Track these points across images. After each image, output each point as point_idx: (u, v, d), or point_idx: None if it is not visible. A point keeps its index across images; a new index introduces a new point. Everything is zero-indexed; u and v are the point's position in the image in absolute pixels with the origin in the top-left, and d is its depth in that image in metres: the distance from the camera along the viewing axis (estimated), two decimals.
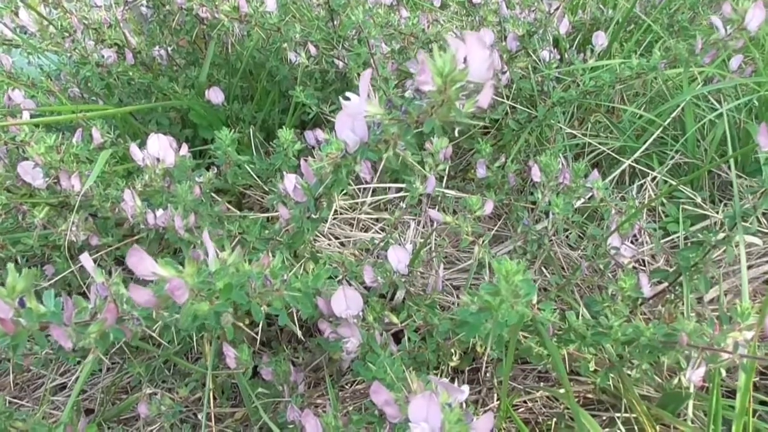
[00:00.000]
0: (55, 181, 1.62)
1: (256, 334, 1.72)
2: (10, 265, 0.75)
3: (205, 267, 0.77)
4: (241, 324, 1.55)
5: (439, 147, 1.44)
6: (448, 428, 0.76)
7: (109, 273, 1.03)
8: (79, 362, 1.85)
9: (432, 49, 1.78)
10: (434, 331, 1.35)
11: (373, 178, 1.55)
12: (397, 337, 1.44)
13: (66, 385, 1.84)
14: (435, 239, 1.79)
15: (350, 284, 1.46)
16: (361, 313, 1.17)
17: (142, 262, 0.71)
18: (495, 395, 1.55)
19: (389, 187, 2.05)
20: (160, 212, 1.43)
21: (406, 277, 1.35)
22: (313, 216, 1.33)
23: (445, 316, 1.31)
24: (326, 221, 1.93)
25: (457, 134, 2.11)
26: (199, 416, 1.62)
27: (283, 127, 1.79)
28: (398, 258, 1.28)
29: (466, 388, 0.83)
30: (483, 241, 1.31)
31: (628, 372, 1.39)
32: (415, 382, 0.85)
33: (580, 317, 1.20)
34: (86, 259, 0.91)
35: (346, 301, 1.12)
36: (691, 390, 1.39)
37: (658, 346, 1.06)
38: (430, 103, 0.73)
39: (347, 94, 0.79)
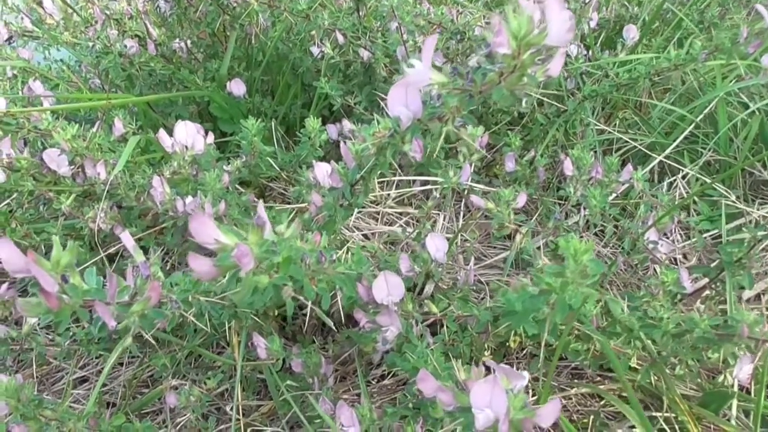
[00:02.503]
0: (80, 169, 1.60)
1: (283, 327, 1.68)
2: (55, 238, 0.72)
3: (266, 239, 0.73)
4: (269, 314, 1.51)
5: (475, 135, 1.40)
6: (513, 414, 0.72)
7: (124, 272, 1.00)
8: (100, 355, 1.81)
9: (461, 39, 1.72)
10: (472, 323, 1.31)
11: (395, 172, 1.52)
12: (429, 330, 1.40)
13: (86, 378, 1.80)
14: (464, 233, 1.75)
15: None
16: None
17: (204, 227, 0.67)
18: (530, 392, 1.51)
19: (414, 180, 2.02)
20: (189, 199, 1.39)
21: (442, 268, 1.31)
22: (347, 203, 1.30)
23: (484, 306, 1.26)
24: (360, 209, 1.89)
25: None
26: (223, 410, 1.58)
27: (306, 119, 1.76)
28: (437, 246, 1.24)
29: (526, 374, 0.79)
30: (525, 230, 1.27)
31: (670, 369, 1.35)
32: (473, 369, 0.81)
33: (624, 310, 1.16)
34: (127, 238, 0.87)
35: (387, 287, 1.08)
36: (735, 389, 1.35)
37: (713, 339, 1.02)
38: (501, 69, 0.70)
39: (411, 61, 0.75)
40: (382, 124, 0.98)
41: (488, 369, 0.91)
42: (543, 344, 1.04)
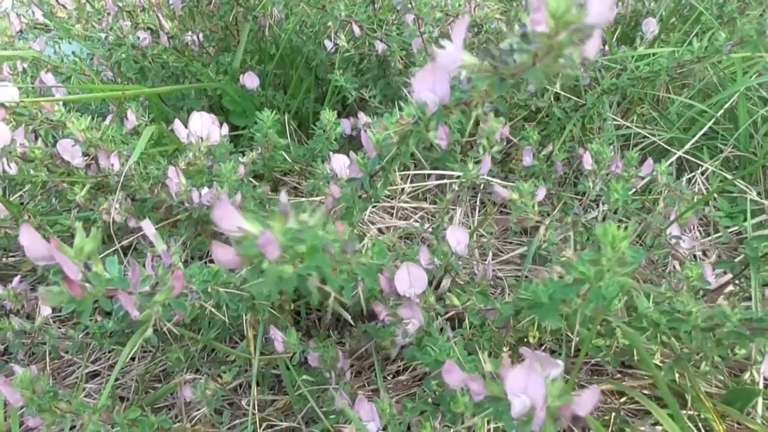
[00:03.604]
0: (93, 160, 1.58)
1: (297, 321, 1.66)
2: (78, 224, 0.70)
3: (290, 227, 0.70)
4: (282, 309, 1.49)
5: (494, 127, 1.38)
6: (550, 401, 0.69)
7: (144, 261, 0.98)
8: (112, 350, 1.80)
9: (479, 31, 1.69)
10: (492, 318, 1.28)
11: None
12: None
13: (98, 373, 1.79)
14: (480, 229, 1.73)
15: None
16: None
17: (227, 215, 0.65)
18: None
19: (429, 175, 1.99)
20: (204, 191, 1.37)
21: (461, 261, 1.29)
22: (366, 195, 1.28)
23: (505, 300, 1.24)
24: (375, 203, 1.87)
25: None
26: (237, 404, 1.56)
27: (320, 113, 1.74)
28: (457, 239, 1.22)
29: (560, 362, 0.76)
30: (549, 221, 1.25)
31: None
32: (504, 358, 0.79)
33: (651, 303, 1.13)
34: (148, 226, 0.85)
35: (410, 279, 1.05)
36: (761, 386, 1.33)
37: (744, 334, 0.99)
38: (537, 49, 0.67)
39: (442, 42, 0.73)
40: (405, 111, 0.96)
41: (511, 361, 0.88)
42: (572, 336, 1.01)
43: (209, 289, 1.00)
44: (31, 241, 0.66)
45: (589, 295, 0.79)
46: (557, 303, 0.93)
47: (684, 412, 1.36)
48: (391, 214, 1.97)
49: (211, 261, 1.34)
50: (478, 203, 1.99)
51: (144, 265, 0.91)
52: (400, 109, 1.00)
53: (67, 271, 0.65)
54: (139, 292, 0.79)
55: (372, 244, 1.08)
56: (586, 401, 0.71)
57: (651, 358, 1.30)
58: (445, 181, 1.97)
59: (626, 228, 0.72)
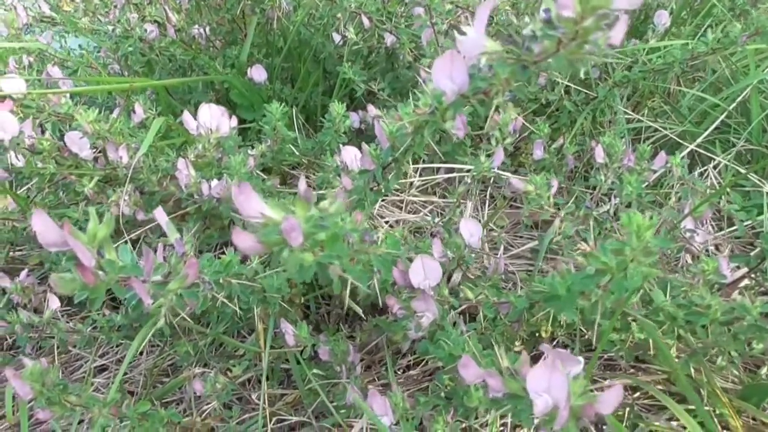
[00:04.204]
0: (101, 153, 1.57)
1: (306, 315, 1.65)
2: (91, 209, 0.69)
3: (312, 213, 0.69)
4: (290, 303, 1.48)
5: (507, 119, 1.36)
6: (573, 400, 0.68)
7: (155, 250, 0.96)
8: (120, 344, 1.79)
9: (489, 23, 1.67)
10: (504, 312, 1.27)
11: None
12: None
13: (106, 367, 1.78)
14: (492, 221, 1.71)
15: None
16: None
17: (249, 200, 0.64)
18: None
19: (438, 168, 1.98)
20: (214, 182, 1.36)
21: (474, 254, 1.27)
22: (378, 187, 1.26)
23: (518, 294, 1.23)
24: (384, 197, 1.85)
25: None
26: (246, 399, 1.55)
27: (329, 106, 1.72)
28: (471, 231, 1.20)
29: (581, 359, 0.75)
30: (564, 214, 1.23)
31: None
32: (523, 353, 0.77)
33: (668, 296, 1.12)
34: (160, 214, 0.84)
35: (424, 271, 1.04)
36: None
37: (765, 327, 0.98)
38: (563, 35, 0.66)
39: (463, 28, 0.71)
40: (422, 100, 0.94)
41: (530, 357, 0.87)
42: (585, 330, 0.99)
43: (221, 281, 0.99)
44: (44, 226, 0.65)
45: (610, 286, 0.77)
46: (575, 295, 0.91)
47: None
48: (401, 208, 1.95)
49: (221, 254, 1.33)
50: (487, 197, 1.97)
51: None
52: (416, 98, 0.99)
53: (81, 257, 0.64)
54: (152, 280, 0.77)
55: (384, 236, 1.06)
56: (609, 400, 0.69)
57: (663, 354, 1.28)
58: (454, 174, 1.96)
59: (651, 217, 0.71)
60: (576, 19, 0.64)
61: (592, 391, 0.73)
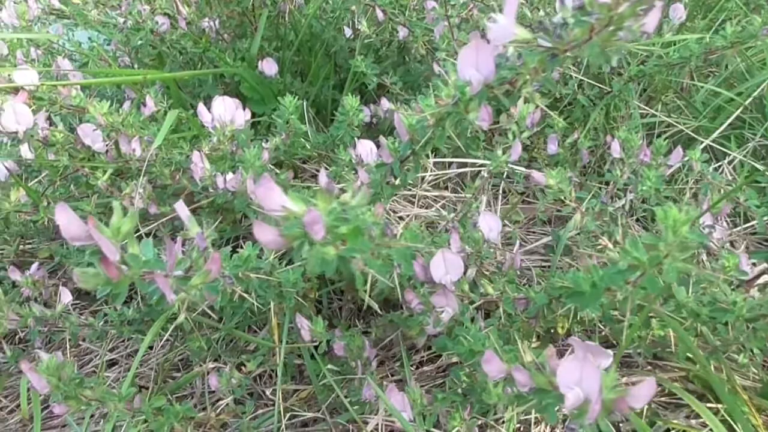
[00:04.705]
0: (114, 145, 1.56)
1: (319, 311, 1.64)
2: (116, 203, 0.67)
3: (334, 206, 0.68)
4: (302, 299, 1.46)
5: (525, 112, 1.34)
6: (605, 394, 0.66)
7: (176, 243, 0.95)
8: (130, 338, 1.78)
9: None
10: (521, 307, 1.25)
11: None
12: None
13: (116, 361, 1.77)
14: (506, 217, 1.69)
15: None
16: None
17: (271, 193, 0.62)
18: None
19: (450, 163, 1.96)
20: (229, 176, 1.35)
21: (493, 249, 1.26)
22: (394, 181, 1.25)
23: (535, 290, 1.21)
24: (406, 187, 1.84)
25: None
26: (257, 394, 1.54)
27: (340, 99, 1.70)
28: (490, 226, 1.19)
29: (611, 352, 0.73)
30: (586, 208, 1.21)
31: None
32: (549, 347, 0.76)
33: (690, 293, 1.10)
34: (181, 208, 0.83)
35: (445, 265, 1.03)
36: None
37: None
38: (598, 20, 0.64)
39: (493, 15, 0.70)
40: (444, 91, 0.93)
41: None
42: (613, 327, 0.98)
43: (240, 275, 0.98)
44: (67, 220, 0.63)
45: (641, 282, 0.76)
46: (601, 291, 0.90)
47: (721, 405, 1.33)
48: (412, 203, 1.94)
49: (234, 248, 1.31)
50: (500, 192, 1.96)
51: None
52: (432, 91, 0.97)
53: (106, 251, 0.63)
54: (174, 275, 0.76)
55: (403, 230, 1.05)
56: (641, 393, 0.68)
57: (685, 350, 1.27)
58: (467, 169, 1.94)
59: (688, 211, 0.69)
60: (611, 4, 0.63)
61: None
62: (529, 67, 0.75)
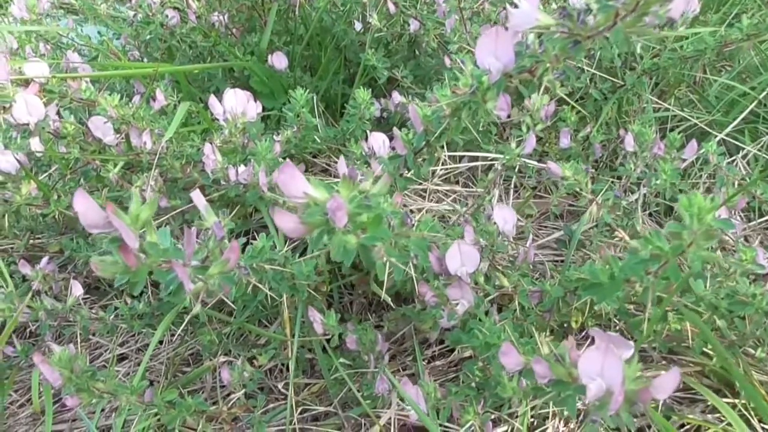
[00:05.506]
0: (125, 138, 1.55)
1: (330, 305, 1.63)
2: (134, 190, 0.67)
3: (356, 194, 0.67)
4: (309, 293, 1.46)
5: (540, 104, 1.33)
6: (628, 385, 0.65)
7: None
8: (140, 333, 1.77)
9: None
10: (536, 300, 1.24)
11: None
12: None
13: (126, 356, 1.77)
14: (521, 209, 1.68)
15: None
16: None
17: (294, 180, 0.61)
18: None
19: (461, 157, 1.95)
20: (241, 168, 1.34)
21: (507, 242, 1.24)
22: (408, 173, 1.24)
23: (551, 283, 1.20)
24: (419, 179, 1.83)
25: None
26: (268, 388, 1.54)
27: (352, 93, 1.69)
28: (505, 218, 1.18)
29: (632, 343, 0.72)
30: (602, 200, 1.20)
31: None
32: (568, 339, 0.75)
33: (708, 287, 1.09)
34: (198, 197, 0.82)
35: (461, 257, 1.02)
36: None
37: None
38: (624, 5, 0.63)
39: (516, 1, 0.69)
40: (461, 80, 0.92)
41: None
42: (617, 320, 0.97)
43: (254, 266, 0.97)
44: (86, 207, 0.63)
45: (662, 272, 0.74)
46: (620, 282, 0.89)
47: (738, 400, 1.32)
48: (423, 197, 1.93)
49: (246, 242, 1.30)
50: (512, 187, 1.94)
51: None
52: (445, 83, 0.96)
53: (126, 238, 0.62)
54: (191, 264, 0.75)
55: (420, 221, 1.04)
56: (666, 384, 0.67)
57: (701, 344, 1.26)
58: (478, 163, 1.93)
59: (713, 199, 0.68)
60: None
61: None
62: (550, 54, 0.73)
